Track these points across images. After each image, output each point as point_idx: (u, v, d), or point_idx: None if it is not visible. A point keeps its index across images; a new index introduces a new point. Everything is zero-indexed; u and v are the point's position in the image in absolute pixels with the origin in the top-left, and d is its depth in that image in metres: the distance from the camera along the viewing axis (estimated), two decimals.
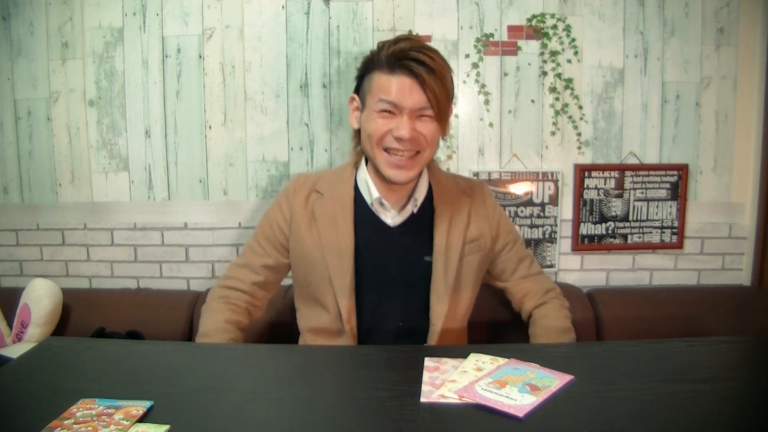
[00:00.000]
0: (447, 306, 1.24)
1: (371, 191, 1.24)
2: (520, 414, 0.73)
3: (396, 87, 1.11)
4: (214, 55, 1.89)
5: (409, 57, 1.11)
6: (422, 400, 0.76)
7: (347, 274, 1.21)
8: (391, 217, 1.25)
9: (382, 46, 1.16)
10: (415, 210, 1.25)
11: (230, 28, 1.88)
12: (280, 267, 1.33)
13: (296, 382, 0.84)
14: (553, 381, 0.81)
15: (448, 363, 0.88)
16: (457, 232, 1.26)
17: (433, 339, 1.25)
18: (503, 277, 1.40)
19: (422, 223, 1.26)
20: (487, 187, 1.38)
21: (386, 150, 1.16)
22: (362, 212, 1.25)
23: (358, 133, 1.25)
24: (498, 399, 0.76)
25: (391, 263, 1.24)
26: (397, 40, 1.15)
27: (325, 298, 1.24)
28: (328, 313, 1.24)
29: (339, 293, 1.22)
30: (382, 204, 1.24)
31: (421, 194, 1.26)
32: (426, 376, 0.84)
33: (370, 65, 1.17)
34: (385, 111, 1.13)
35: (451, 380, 0.82)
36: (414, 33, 1.88)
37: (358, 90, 1.23)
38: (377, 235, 1.25)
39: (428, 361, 0.89)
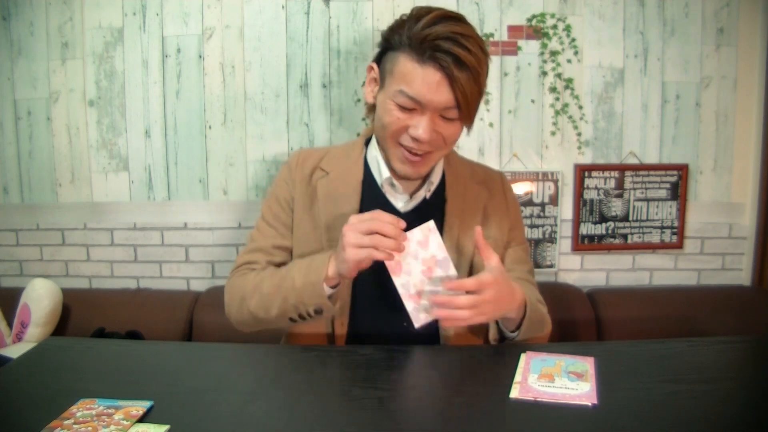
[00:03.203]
0: None
1: (381, 170, 1.10)
2: (593, 401, 0.73)
3: (421, 81, 0.95)
4: (214, 55, 1.89)
5: (441, 48, 0.93)
6: (416, 325, 0.80)
7: None
8: (402, 202, 1.12)
9: (416, 18, 0.97)
10: (428, 195, 1.12)
11: (230, 28, 1.88)
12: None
13: (296, 382, 0.84)
14: (585, 365, 0.81)
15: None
16: (471, 226, 1.10)
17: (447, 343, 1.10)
18: None
19: (435, 212, 1.11)
20: (506, 179, 1.24)
21: (399, 144, 1.03)
22: (371, 195, 1.12)
23: (372, 106, 1.10)
24: (559, 392, 0.76)
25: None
26: (435, 18, 0.95)
27: None
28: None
29: None
30: (393, 185, 1.11)
31: (436, 177, 1.13)
32: (410, 305, 0.91)
33: (397, 41, 0.99)
34: (405, 106, 0.98)
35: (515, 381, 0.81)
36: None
37: (379, 59, 1.05)
38: None
39: (401, 289, 0.93)
